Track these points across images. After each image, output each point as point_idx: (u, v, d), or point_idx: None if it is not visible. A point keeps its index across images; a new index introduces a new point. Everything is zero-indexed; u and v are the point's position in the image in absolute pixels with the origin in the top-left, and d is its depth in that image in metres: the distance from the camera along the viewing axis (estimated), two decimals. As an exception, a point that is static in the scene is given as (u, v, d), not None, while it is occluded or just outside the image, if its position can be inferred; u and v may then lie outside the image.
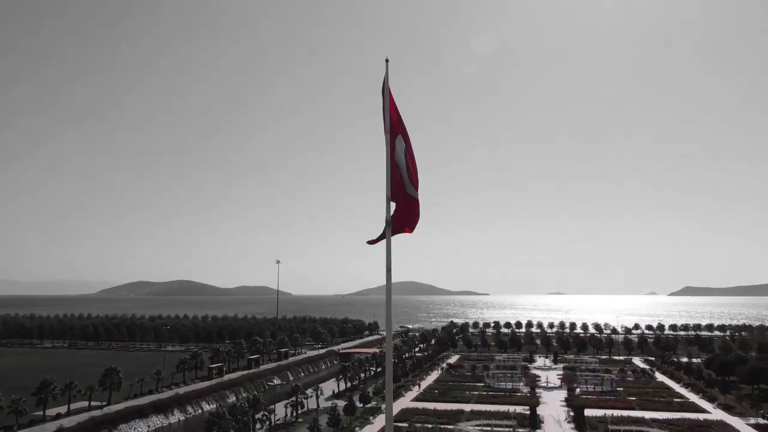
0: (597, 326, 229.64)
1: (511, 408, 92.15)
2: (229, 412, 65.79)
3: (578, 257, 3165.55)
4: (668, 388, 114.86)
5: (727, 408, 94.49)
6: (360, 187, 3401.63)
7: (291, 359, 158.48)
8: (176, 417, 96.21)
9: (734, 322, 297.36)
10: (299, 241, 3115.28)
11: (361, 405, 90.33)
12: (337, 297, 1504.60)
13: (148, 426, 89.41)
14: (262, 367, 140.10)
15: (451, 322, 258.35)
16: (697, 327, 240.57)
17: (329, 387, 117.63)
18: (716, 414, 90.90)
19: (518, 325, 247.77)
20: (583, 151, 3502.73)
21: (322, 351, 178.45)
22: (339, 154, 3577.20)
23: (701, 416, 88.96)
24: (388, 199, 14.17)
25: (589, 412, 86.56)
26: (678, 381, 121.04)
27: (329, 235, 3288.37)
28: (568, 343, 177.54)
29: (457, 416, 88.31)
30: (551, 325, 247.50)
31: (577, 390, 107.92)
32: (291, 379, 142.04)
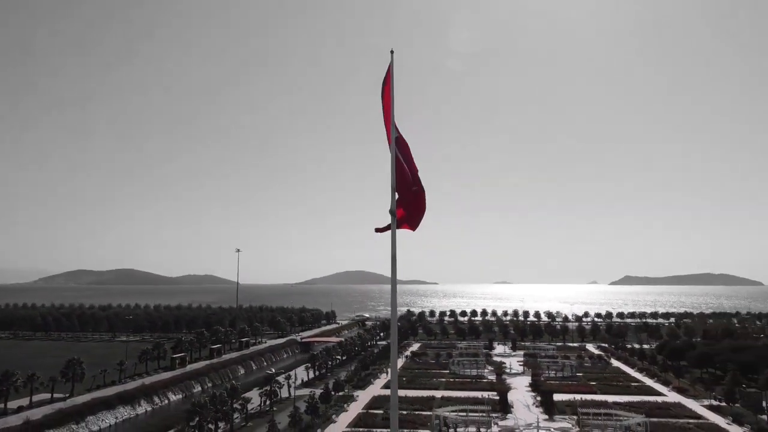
0: (549, 314, 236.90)
1: (482, 394, 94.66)
2: (210, 401, 65.04)
3: (523, 247, 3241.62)
4: (624, 373, 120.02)
5: (681, 391, 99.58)
6: (304, 178, 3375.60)
7: (252, 348, 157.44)
8: (143, 408, 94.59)
9: (675, 310, 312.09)
10: (244, 230, 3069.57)
11: (335, 393, 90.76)
12: (286, 286, 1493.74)
13: (116, 417, 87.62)
14: (225, 357, 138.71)
15: (408, 311, 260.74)
16: (643, 315, 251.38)
17: (298, 376, 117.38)
18: (672, 397, 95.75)
19: (473, 313, 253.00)
20: (527, 147, 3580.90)
21: (282, 340, 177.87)
22: (283, 145, 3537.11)
23: (659, 399, 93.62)
24: (393, 190, 14.29)
25: (555, 397, 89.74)
26: (632, 366, 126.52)
27: (273, 224, 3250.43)
28: (524, 331, 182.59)
29: (429, 402, 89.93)
30: (505, 314, 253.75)
31: (537, 376, 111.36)
32: (254, 368, 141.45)
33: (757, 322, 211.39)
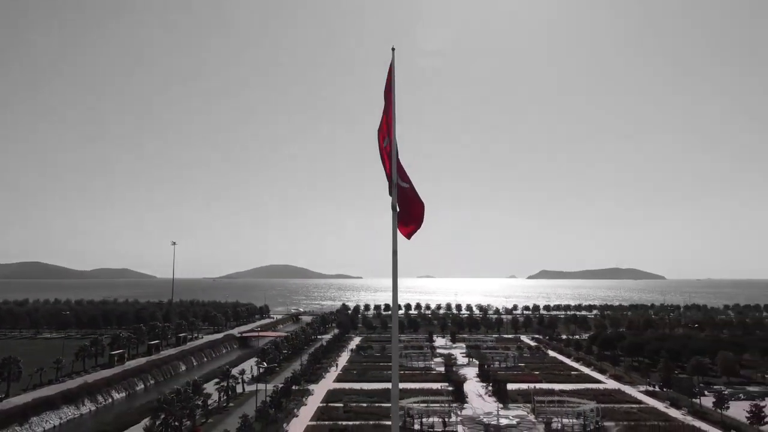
0: (481, 307, 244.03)
1: (440, 385, 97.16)
2: (177, 398, 63.24)
3: (445, 242, 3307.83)
4: (562, 362, 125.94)
5: (617, 378, 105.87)
6: (219, 170, 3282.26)
7: (190, 344, 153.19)
8: (87, 407, 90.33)
9: (598, 303, 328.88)
10: (162, 223, 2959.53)
11: (295, 387, 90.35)
12: (207, 280, 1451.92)
13: (60, 418, 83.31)
14: (164, 353, 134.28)
15: (344, 305, 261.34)
16: (568, 307, 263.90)
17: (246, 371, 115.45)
18: (610, 384, 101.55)
19: (408, 307, 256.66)
20: (449, 147, 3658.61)
21: (220, 335, 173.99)
22: (199, 134, 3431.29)
23: (600, 386, 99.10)
24: (395, 186, 14.57)
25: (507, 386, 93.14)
26: (568, 356, 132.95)
27: (193, 217, 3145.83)
28: (462, 324, 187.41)
29: (386, 395, 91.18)
30: (439, 307, 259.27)
31: (485, 366, 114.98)
32: (195, 364, 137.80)
33: (671, 314, 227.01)
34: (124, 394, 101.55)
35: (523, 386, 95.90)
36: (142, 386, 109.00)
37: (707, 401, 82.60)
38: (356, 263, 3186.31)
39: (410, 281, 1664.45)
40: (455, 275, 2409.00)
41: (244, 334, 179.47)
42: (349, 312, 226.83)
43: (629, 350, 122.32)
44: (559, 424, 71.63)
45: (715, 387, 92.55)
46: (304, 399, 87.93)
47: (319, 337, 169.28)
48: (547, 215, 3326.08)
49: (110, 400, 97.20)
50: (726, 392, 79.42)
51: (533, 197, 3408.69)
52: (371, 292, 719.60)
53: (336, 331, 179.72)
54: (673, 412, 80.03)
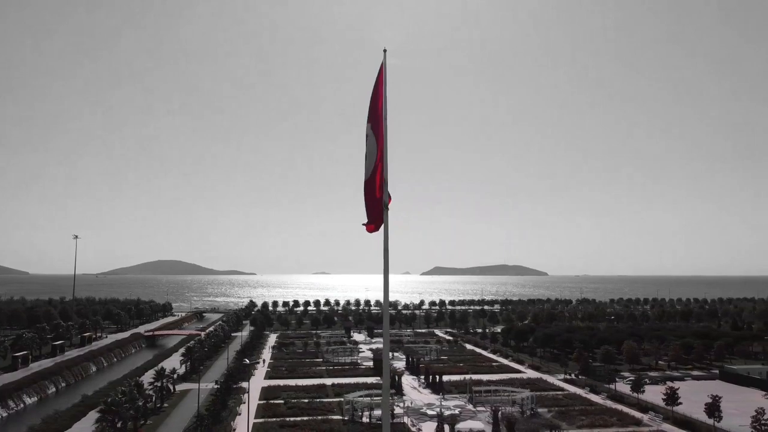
0: (391, 303, 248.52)
1: (369, 379, 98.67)
2: (126, 400, 60.15)
3: (340, 238, 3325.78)
4: (480, 354, 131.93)
5: (535, 368, 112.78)
6: (91, 160, 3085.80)
7: (96, 344, 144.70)
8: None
9: (499, 298, 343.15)
10: (36, 211, 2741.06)
11: (234, 385, 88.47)
12: (89, 277, 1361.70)
13: (-30, 427, 76.26)
14: (69, 354, 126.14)
15: (251, 301, 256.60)
16: (471, 302, 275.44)
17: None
18: (530, 373, 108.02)
19: (317, 303, 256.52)
20: (344, 139, 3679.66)
21: (126, 334, 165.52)
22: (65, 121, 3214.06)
23: (522, 375, 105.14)
24: (385, 183, 14.58)
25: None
26: (485, 348, 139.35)
27: (70, 207, 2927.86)
28: (377, 319, 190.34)
29: (323, 390, 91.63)
30: (348, 303, 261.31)
31: (411, 360, 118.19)
32: (105, 365, 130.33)
33: (566, 306, 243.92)
34: (36, 399, 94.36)
35: (454, 377, 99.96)
36: (54, 389, 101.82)
37: (620, 387, 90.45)
38: (249, 259, 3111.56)
39: (304, 277, 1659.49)
40: (350, 271, 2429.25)
41: (153, 333, 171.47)
42: (256, 309, 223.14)
43: (543, 342, 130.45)
44: (500, 413, 75.63)
45: (624, 374, 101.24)
46: (242, 397, 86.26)
47: (233, 334, 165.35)
48: (440, 211, 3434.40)
49: (22, 405, 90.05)
50: (646, 378, 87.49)
51: (425, 195, 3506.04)
52: (268, 288, 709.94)
53: (251, 328, 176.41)
54: (594, 397, 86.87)
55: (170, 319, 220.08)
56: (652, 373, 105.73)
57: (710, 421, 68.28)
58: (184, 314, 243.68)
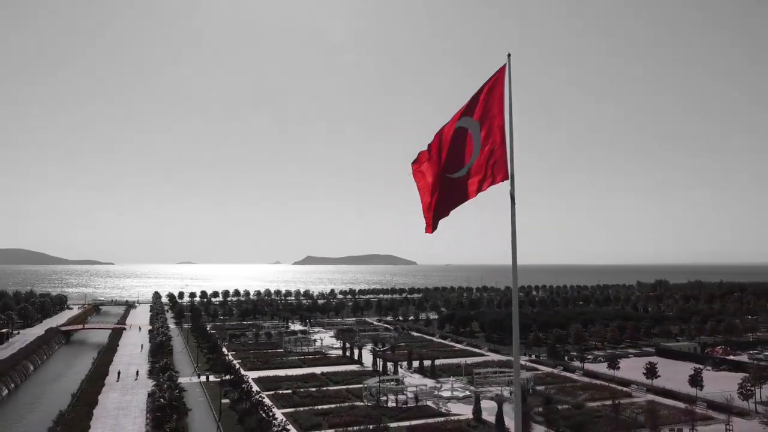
0: (306, 293, 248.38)
1: (351, 367, 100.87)
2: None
3: (205, 227, 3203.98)
4: (431, 340, 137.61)
5: (494, 351, 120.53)
6: None
7: (13, 340, 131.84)
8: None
9: (414, 286, 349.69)
10: None
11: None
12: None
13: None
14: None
15: (156, 293, 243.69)
16: (385, 291, 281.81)
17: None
18: (494, 356, 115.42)
19: (237, 293, 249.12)
20: (212, 132, 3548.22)
21: (40, 330, 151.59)
22: None
23: (487, 358, 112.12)
24: (512, 175, 14.52)
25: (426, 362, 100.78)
26: (431, 335, 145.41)
27: None
28: (309, 308, 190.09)
29: (316, 379, 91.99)
30: (268, 293, 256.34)
31: (377, 346, 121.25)
32: (40, 363, 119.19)
33: (484, 294, 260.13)
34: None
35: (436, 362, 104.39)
36: (6, 391, 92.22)
37: (588, 365, 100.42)
38: (105, 248, 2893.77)
39: (167, 267, 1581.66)
40: (214, 261, 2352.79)
41: (70, 328, 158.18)
42: (183, 301, 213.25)
43: (491, 327, 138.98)
44: (500, 391, 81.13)
45: (596, 353, 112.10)
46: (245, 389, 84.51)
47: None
48: (313, 200, 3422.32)
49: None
50: (600, 357, 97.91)
51: (295, 184, 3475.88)
52: (127, 278, 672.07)
53: (175, 321, 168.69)
54: (572, 375, 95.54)
55: (76, 313, 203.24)
56: (597, 352, 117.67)
57: (686, 391, 79.02)
58: (78, 307, 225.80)
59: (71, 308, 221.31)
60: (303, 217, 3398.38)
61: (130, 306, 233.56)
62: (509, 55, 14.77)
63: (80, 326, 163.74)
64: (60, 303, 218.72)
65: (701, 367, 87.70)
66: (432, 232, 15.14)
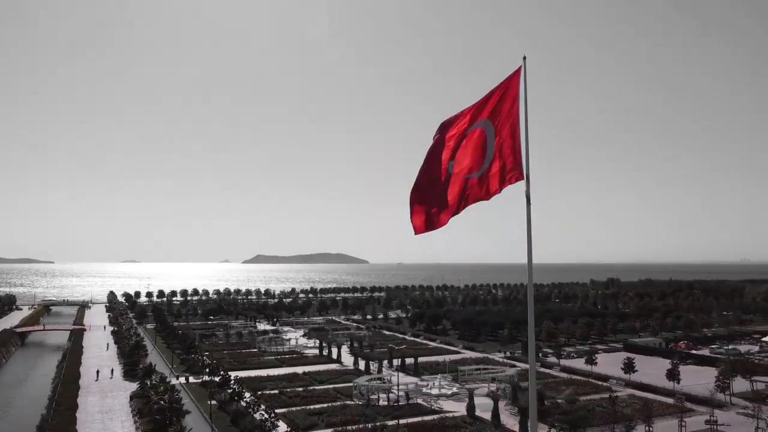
0: (267, 291, 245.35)
1: (331, 366, 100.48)
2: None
3: (149, 225, 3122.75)
4: (404, 338, 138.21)
5: (469, 348, 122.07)
6: None
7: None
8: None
9: (379, 285, 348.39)
10: None
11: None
12: None
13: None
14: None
15: (111, 292, 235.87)
16: (347, 290, 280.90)
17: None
18: (468, 353, 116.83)
19: (173, 293, 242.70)
20: (173, 129, 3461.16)
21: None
22: None
23: (464, 355, 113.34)
24: (528, 176, 14.52)
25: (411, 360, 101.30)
26: (402, 333, 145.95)
27: None
28: (274, 307, 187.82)
29: (298, 379, 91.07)
30: (206, 292, 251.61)
31: (354, 345, 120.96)
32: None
33: (445, 292, 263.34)
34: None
35: (410, 360, 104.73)
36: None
37: (563, 361, 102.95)
38: (43, 246, 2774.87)
39: (112, 266, 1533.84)
40: (160, 259, 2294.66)
41: (25, 330, 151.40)
42: (137, 299, 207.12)
43: (463, 323, 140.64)
44: (494, 388, 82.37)
45: (567, 349, 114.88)
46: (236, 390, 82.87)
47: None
48: (260, 198, 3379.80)
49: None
50: (588, 349, 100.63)
51: (244, 182, 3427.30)
52: (81, 278, 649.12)
53: (137, 321, 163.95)
54: (550, 371, 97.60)
55: (25, 313, 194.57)
56: (568, 348, 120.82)
57: (662, 385, 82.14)
58: (28, 307, 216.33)
59: (21, 309, 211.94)
60: (252, 216, 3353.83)
61: (83, 306, 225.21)
62: (525, 58, 14.93)
63: (40, 327, 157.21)
64: (9, 303, 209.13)
65: (675, 361, 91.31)
66: (424, 231, 14.88)
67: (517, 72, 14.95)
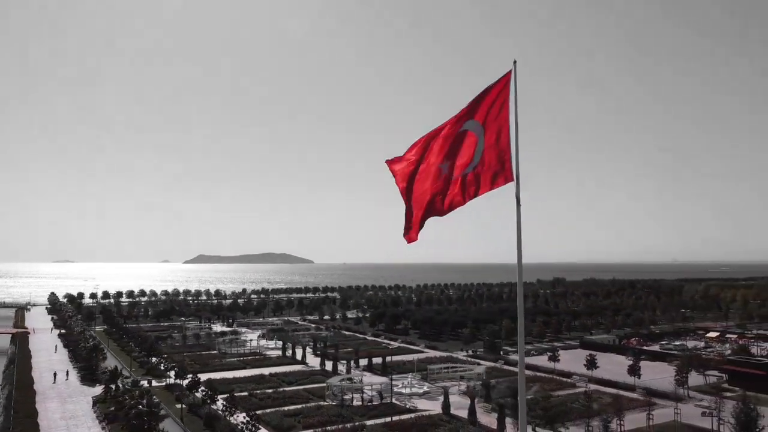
0: (217, 292, 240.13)
1: (296, 367, 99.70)
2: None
3: (83, 223, 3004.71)
4: (365, 338, 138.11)
5: (432, 348, 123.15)
6: None
7: None
8: None
9: (333, 285, 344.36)
10: None
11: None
12: None
13: None
14: None
15: (53, 293, 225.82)
16: (299, 290, 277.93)
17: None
18: (430, 352, 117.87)
19: (119, 294, 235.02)
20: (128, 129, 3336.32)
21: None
22: None
23: (428, 355, 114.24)
24: (518, 178, 14.50)
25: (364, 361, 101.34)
26: (361, 333, 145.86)
27: None
28: (229, 308, 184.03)
29: (266, 381, 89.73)
30: (154, 293, 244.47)
31: (317, 345, 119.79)
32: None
33: (398, 292, 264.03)
34: None
35: (377, 360, 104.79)
36: None
37: (527, 359, 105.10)
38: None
39: (44, 266, 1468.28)
40: (96, 259, 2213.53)
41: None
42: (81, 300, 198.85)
43: (423, 323, 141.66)
44: (465, 387, 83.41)
45: (528, 347, 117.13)
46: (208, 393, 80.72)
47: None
48: (201, 197, 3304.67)
49: None
50: (545, 346, 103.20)
51: (185, 179, 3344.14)
52: (11, 279, 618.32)
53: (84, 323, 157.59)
54: (512, 368, 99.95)
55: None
56: (527, 346, 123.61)
57: (623, 380, 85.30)
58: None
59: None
60: (193, 215, 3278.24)
61: (22, 308, 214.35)
62: (515, 62, 15.06)
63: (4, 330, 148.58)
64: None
65: (631, 358, 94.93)
66: (416, 238, 14.89)
67: (507, 75, 14.98)
